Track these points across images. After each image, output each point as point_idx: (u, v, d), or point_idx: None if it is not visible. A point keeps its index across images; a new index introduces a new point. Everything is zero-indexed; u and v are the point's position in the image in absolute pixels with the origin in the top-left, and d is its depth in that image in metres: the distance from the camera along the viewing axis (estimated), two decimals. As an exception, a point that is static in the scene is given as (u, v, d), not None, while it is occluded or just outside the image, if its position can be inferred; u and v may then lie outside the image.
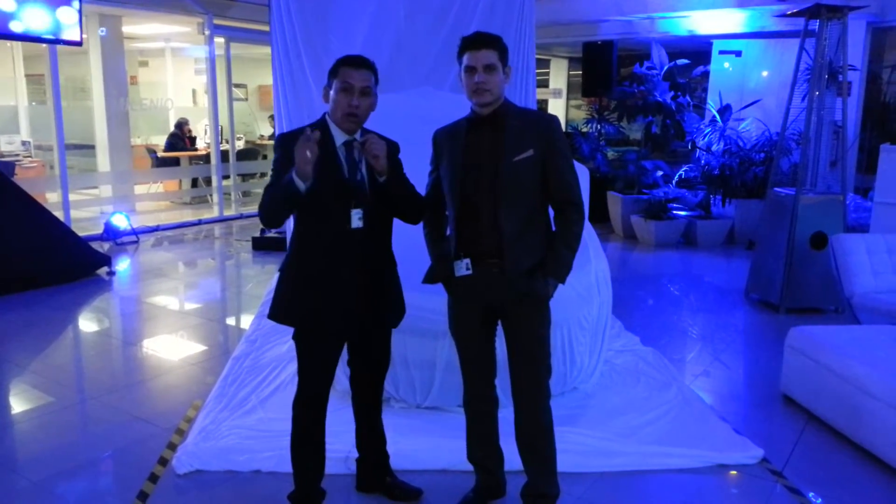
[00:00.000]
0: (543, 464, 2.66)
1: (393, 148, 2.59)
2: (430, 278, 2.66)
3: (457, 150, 2.54)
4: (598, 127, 9.91)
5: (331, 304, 2.50)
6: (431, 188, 2.69)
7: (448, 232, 2.65)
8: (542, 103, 15.20)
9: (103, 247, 7.68)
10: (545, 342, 2.60)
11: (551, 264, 2.50)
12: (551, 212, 2.61)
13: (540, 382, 2.59)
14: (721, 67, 10.04)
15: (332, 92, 2.49)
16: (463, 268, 2.54)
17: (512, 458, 2.74)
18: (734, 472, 3.17)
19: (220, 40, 9.92)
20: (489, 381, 2.71)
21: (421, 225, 2.72)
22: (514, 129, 2.49)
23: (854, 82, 8.33)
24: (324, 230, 2.47)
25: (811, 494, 3.01)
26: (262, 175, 11.47)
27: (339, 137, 2.50)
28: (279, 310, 2.58)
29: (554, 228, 2.59)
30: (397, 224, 2.66)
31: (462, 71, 2.49)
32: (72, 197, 8.41)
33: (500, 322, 2.65)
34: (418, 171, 2.72)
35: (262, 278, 6.81)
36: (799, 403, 3.82)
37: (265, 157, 11.91)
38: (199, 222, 9.75)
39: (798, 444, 3.45)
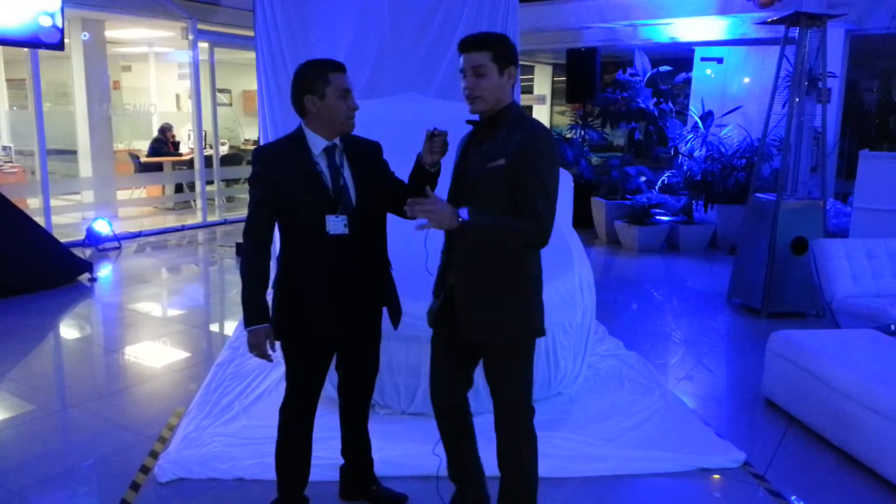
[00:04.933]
0: (522, 496, 2.55)
1: (377, 149, 2.63)
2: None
3: (458, 155, 2.46)
4: (582, 133, 9.98)
5: (323, 315, 2.49)
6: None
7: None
8: (527, 109, 15.25)
9: (85, 253, 7.60)
10: (527, 382, 2.46)
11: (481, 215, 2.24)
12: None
13: (521, 416, 2.46)
14: (703, 74, 10.15)
15: (325, 100, 2.42)
16: (438, 305, 2.48)
17: (490, 464, 2.70)
18: (717, 476, 3.19)
19: (204, 45, 9.88)
20: (457, 396, 2.60)
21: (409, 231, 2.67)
22: (501, 136, 2.31)
23: (833, 89, 8.43)
24: (310, 240, 2.46)
25: (793, 498, 3.04)
26: (247, 181, 11.38)
27: (319, 145, 2.48)
28: (280, 327, 2.53)
29: (532, 264, 2.39)
30: (391, 230, 2.64)
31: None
32: (53, 202, 8.33)
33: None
34: (401, 177, 2.72)
35: (246, 284, 6.77)
36: (781, 407, 3.86)
37: (249, 162, 11.81)
38: (183, 228, 9.68)
39: (780, 447, 3.48)
